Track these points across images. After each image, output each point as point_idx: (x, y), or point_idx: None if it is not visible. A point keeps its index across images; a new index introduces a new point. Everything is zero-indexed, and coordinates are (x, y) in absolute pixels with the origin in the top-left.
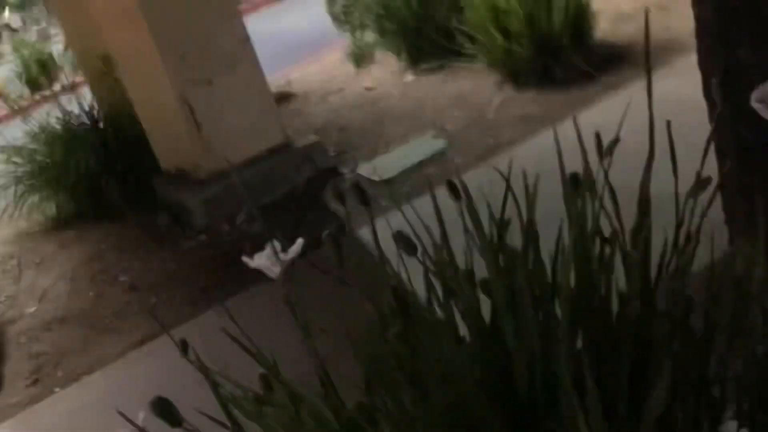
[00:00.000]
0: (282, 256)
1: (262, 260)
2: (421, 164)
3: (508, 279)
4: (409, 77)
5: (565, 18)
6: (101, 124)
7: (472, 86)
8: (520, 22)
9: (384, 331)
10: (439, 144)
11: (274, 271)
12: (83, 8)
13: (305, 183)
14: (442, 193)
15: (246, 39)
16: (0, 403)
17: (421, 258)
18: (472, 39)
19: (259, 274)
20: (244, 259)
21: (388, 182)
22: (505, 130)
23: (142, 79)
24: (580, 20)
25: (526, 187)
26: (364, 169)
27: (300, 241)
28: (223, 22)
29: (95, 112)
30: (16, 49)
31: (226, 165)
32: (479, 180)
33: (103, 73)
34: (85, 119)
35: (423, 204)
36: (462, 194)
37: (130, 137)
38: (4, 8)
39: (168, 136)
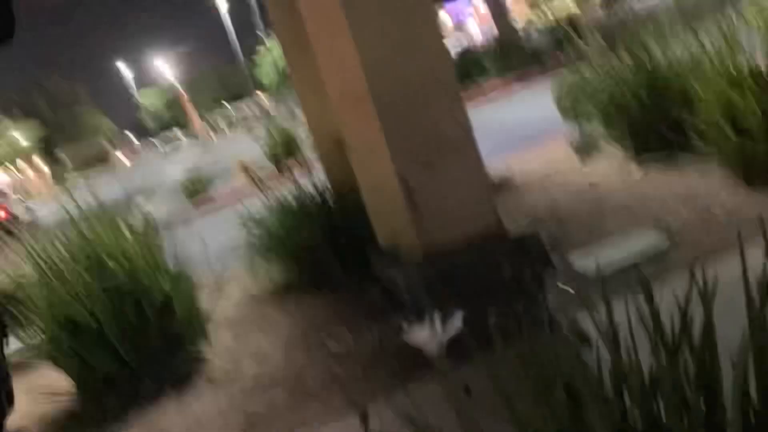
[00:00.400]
0: (440, 331)
1: (420, 335)
2: (639, 262)
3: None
4: (634, 171)
5: None
6: (330, 201)
7: (700, 183)
8: (757, 119)
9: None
10: (661, 242)
11: (431, 347)
12: (323, 92)
13: (516, 273)
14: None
15: (468, 127)
16: None
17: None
18: (702, 134)
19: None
20: (404, 332)
21: (602, 279)
22: (733, 232)
23: (368, 160)
24: None
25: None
26: (579, 263)
27: (459, 314)
28: (447, 110)
29: (326, 190)
30: (266, 130)
31: (439, 248)
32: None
33: (334, 153)
34: (316, 196)
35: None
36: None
37: (354, 215)
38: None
39: (386, 215)
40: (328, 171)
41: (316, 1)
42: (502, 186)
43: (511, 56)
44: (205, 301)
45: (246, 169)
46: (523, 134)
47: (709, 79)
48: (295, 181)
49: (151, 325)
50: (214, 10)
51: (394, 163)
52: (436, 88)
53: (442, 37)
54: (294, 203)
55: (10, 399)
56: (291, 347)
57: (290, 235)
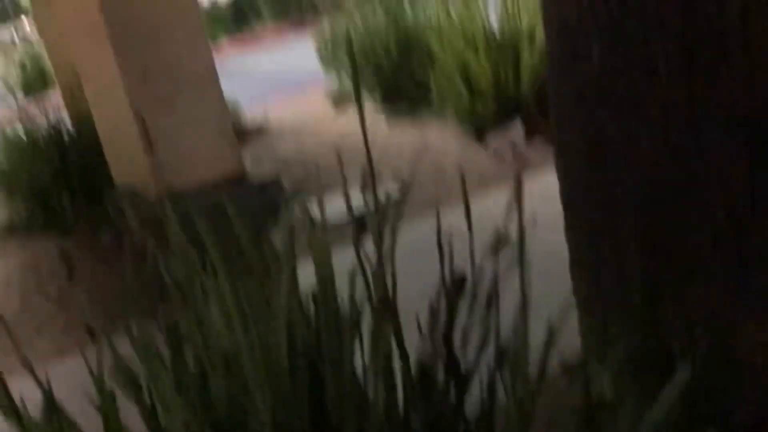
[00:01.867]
0: None
1: None
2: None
3: None
4: (382, 124)
5: (532, 79)
6: (65, 137)
7: (436, 138)
8: (487, 79)
9: None
10: (392, 195)
11: None
12: (58, 20)
13: (253, 217)
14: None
15: (211, 64)
16: None
17: None
18: (441, 92)
19: None
20: None
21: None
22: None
23: (103, 94)
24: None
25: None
26: (313, 208)
27: None
28: (189, 44)
29: (61, 125)
30: (21, 57)
31: (176, 188)
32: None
33: (73, 85)
34: (51, 130)
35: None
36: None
37: (90, 152)
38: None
39: (122, 154)
40: (67, 104)
41: None
42: (256, 132)
43: (288, 3)
44: None
45: None
46: (285, 82)
47: (449, 41)
48: (28, 114)
49: None
50: None
51: (129, 97)
52: (177, 19)
53: None
54: (25, 138)
55: None
56: (11, 288)
57: (16, 172)
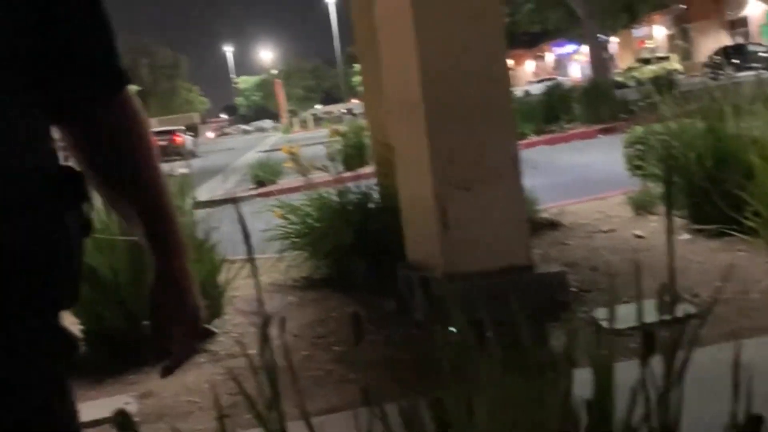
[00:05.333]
0: None
1: None
2: (660, 324)
3: None
4: (684, 236)
5: None
6: (371, 206)
7: (744, 263)
8: None
9: None
10: (688, 310)
11: None
12: (382, 100)
13: (534, 310)
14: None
15: (515, 158)
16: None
17: None
18: (756, 214)
19: None
20: None
21: (617, 332)
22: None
23: (410, 171)
24: None
25: None
26: (599, 313)
27: None
28: (497, 137)
29: (370, 195)
30: (347, 132)
31: (463, 270)
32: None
33: (386, 161)
34: (360, 198)
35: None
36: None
37: (390, 224)
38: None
39: (418, 230)
40: (379, 178)
41: (388, 9)
42: (548, 226)
43: (599, 105)
44: (227, 279)
45: (293, 156)
46: (586, 181)
47: None
48: (344, 181)
49: None
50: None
51: (433, 178)
52: (490, 108)
53: (507, 67)
54: (336, 201)
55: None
56: (298, 338)
57: (325, 232)
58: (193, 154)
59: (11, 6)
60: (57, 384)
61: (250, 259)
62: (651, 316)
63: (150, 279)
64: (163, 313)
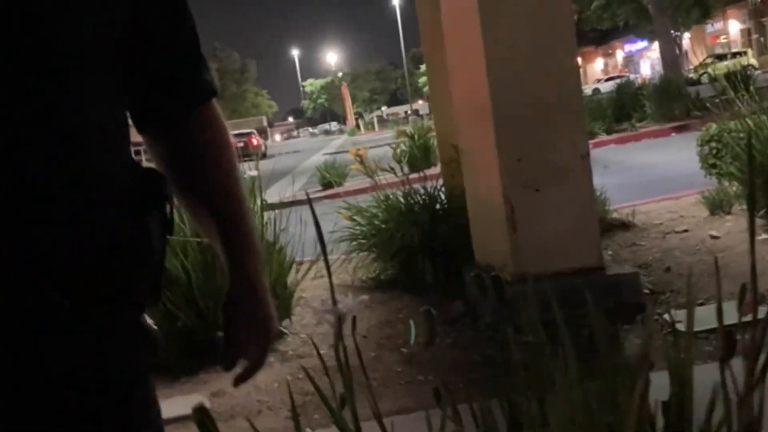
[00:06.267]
0: None
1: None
2: (740, 326)
3: None
4: (763, 236)
5: None
6: (438, 207)
7: None
8: None
9: None
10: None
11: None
12: (449, 101)
13: (607, 312)
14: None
15: (586, 158)
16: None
17: None
18: None
19: None
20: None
21: (693, 335)
22: None
23: (477, 172)
24: None
25: None
26: (674, 315)
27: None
28: (567, 137)
29: (437, 196)
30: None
31: (532, 271)
32: None
33: (453, 162)
34: (427, 199)
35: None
36: None
37: (458, 225)
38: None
39: (486, 231)
40: (445, 179)
41: (454, 9)
42: (620, 226)
43: (672, 103)
44: (295, 280)
45: (359, 158)
46: (659, 180)
47: None
48: (410, 183)
49: None
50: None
51: (501, 179)
52: (560, 108)
53: (577, 64)
54: (403, 202)
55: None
56: (366, 339)
57: (392, 233)
58: (265, 156)
59: (106, 6)
60: (142, 380)
61: (324, 260)
62: (730, 317)
63: (225, 286)
64: (238, 320)
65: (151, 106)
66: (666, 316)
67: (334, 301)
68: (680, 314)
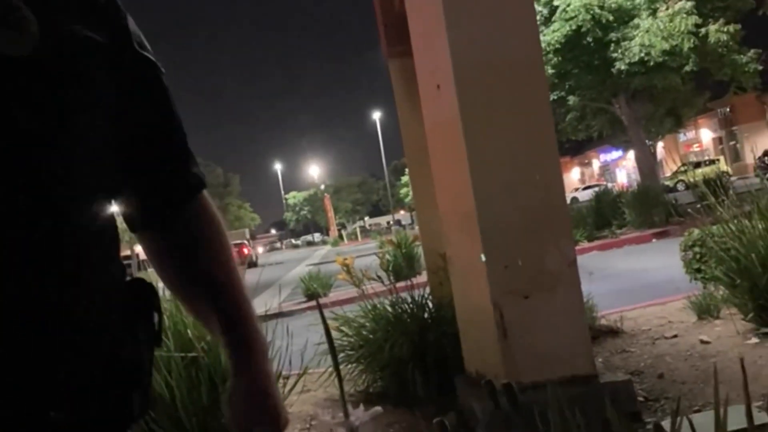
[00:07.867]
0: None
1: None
2: None
3: None
4: (753, 340)
5: None
6: (426, 317)
7: None
8: None
9: None
10: (764, 419)
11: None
12: (435, 210)
13: (602, 422)
14: None
15: (573, 265)
16: None
17: None
18: None
19: None
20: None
21: None
22: None
23: (466, 281)
24: None
25: None
26: (671, 423)
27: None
28: (554, 245)
29: (425, 305)
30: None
31: (525, 380)
32: None
33: (439, 269)
34: (415, 309)
35: None
36: None
37: (447, 334)
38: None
39: (476, 340)
40: (433, 287)
41: (437, 122)
42: (609, 333)
43: (651, 209)
44: (284, 395)
45: (346, 267)
46: (644, 286)
47: None
48: (397, 292)
49: (220, 404)
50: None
51: (490, 286)
52: (547, 217)
53: (560, 174)
54: (390, 311)
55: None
56: None
57: (380, 344)
58: (255, 264)
59: (98, 108)
60: None
61: (337, 373)
62: (732, 423)
63: (229, 382)
64: (244, 415)
65: (144, 204)
66: (662, 425)
67: (346, 415)
68: (677, 422)
